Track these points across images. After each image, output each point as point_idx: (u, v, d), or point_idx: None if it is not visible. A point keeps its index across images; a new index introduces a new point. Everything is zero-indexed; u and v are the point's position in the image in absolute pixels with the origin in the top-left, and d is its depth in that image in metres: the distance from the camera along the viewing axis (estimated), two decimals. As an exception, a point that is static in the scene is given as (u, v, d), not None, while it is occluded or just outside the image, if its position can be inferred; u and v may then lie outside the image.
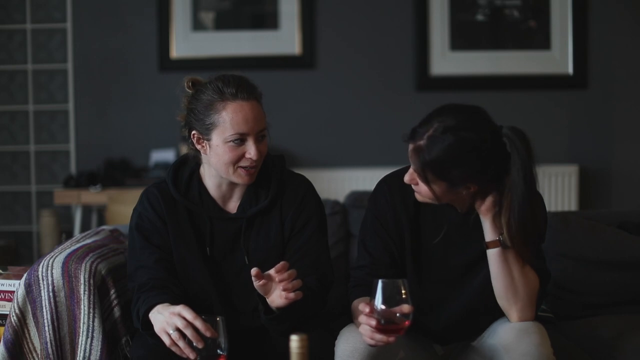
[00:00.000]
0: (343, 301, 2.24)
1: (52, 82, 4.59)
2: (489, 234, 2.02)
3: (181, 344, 1.85)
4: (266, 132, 2.14)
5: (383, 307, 1.80)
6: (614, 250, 2.75)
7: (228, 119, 2.08)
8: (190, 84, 2.20)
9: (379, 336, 1.83)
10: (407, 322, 1.81)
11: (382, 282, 1.80)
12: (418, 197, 2.07)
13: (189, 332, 1.84)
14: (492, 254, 2.03)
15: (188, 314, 1.87)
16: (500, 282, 2.04)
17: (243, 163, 2.11)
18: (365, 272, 2.13)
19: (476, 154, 1.95)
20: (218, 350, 1.75)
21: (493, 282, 2.05)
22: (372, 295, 1.81)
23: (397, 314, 1.80)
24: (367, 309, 1.82)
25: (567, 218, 2.84)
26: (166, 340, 1.90)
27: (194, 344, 1.81)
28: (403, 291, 1.80)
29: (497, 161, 1.97)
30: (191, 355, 1.82)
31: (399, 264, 2.15)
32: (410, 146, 2.00)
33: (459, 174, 1.96)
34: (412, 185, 2.06)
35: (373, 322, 1.81)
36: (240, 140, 2.09)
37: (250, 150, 2.09)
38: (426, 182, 1.99)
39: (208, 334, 1.77)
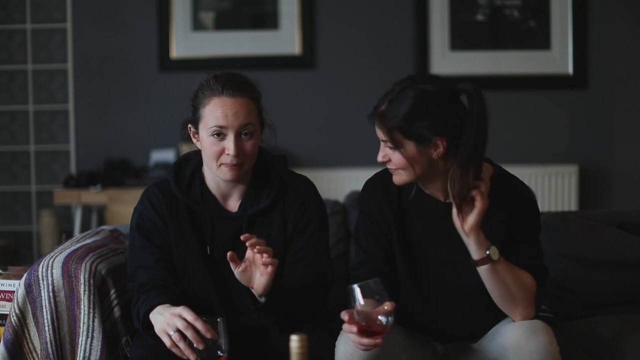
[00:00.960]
0: (341, 301, 2.25)
1: (52, 82, 4.59)
2: (476, 253, 2.00)
3: (182, 345, 1.85)
4: (254, 129, 2.13)
5: (363, 309, 1.79)
6: (614, 250, 2.75)
7: (209, 113, 2.10)
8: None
9: (365, 340, 1.82)
10: (390, 322, 1.80)
11: (358, 286, 1.80)
12: (396, 177, 2.09)
13: (189, 334, 1.84)
14: (483, 270, 2.01)
15: (189, 315, 1.87)
16: (496, 293, 2.04)
17: (224, 159, 2.12)
18: (364, 269, 2.14)
19: (437, 101, 2.00)
20: (218, 352, 1.75)
21: (490, 293, 2.05)
22: (351, 302, 1.81)
23: (380, 315, 1.80)
24: (346, 317, 1.81)
25: (567, 218, 2.84)
26: (167, 342, 1.90)
27: (195, 345, 1.81)
28: (380, 290, 1.80)
29: (458, 113, 2.01)
30: (191, 357, 1.82)
31: (393, 259, 2.16)
32: (375, 119, 2.04)
33: (426, 125, 1.99)
34: (387, 165, 2.09)
35: (354, 329, 1.81)
36: (220, 134, 2.10)
37: (229, 146, 2.09)
38: (396, 145, 2.01)
39: (208, 336, 1.77)
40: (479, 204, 1.96)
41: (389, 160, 2.06)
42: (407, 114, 1.99)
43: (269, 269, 1.96)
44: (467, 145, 1.97)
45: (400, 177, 2.08)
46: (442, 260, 2.13)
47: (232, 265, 1.98)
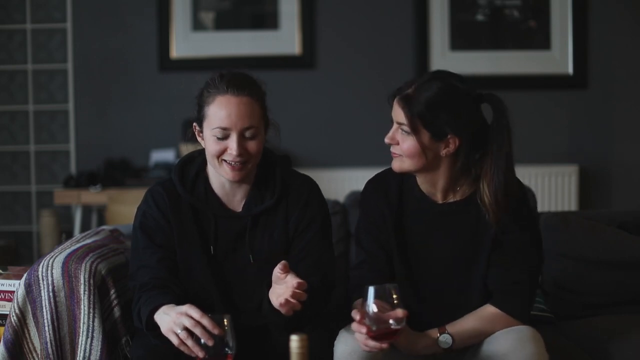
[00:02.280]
0: (340, 302, 2.24)
1: (52, 82, 4.59)
2: (438, 346, 2.05)
3: (189, 343, 1.85)
4: (257, 131, 2.13)
5: (375, 312, 1.79)
6: (614, 250, 2.76)
7: (213, 112, 2.11)
8: None
9: (372, 343, 1.83)
10: (400, 327, 1.81)
11: (374, 288, 1.80)
12: (396, 164, 2.10)
13: (197, 331, 1.83)
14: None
15: (195, 312, 1.87)
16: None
17: (226, 157, 2.12)
18: (365, 269, 2.14)
19: (462, 100, 2.03)
20: (226, 349, 1.75)
21: None
22: (364, 302, 1.80)
23: (390, 320, 1.80)
24: (358, 317, 1.81)
25: (567, 218, 2.84)
26: (174, 341, 1.89)
27: (203, 342, 1.81)
28: (395, 296, 1.80)
29: (477, 119, 2.05)
30: (200, 354, 1.82)
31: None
32: (397, 100, 2.07)
33: (446, 119, 2.01)
34: (392, 149, 2.09)
35: (363, 330, 1.81)
36: (223, 134, 2.11)
37: (232, 145, 2.10)
38: (412, 131, 2.02)
39: (215, 331, 1.77)
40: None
41: (397, 144, 2.07)
42: (431, 103, 2.02)
43: (286, 309, 1.94)
44: (503, 153, 2.01)
45: (401, 164, 2.09)
46: (439, 261, 2.13)
47: (279, 271, 1.95)
